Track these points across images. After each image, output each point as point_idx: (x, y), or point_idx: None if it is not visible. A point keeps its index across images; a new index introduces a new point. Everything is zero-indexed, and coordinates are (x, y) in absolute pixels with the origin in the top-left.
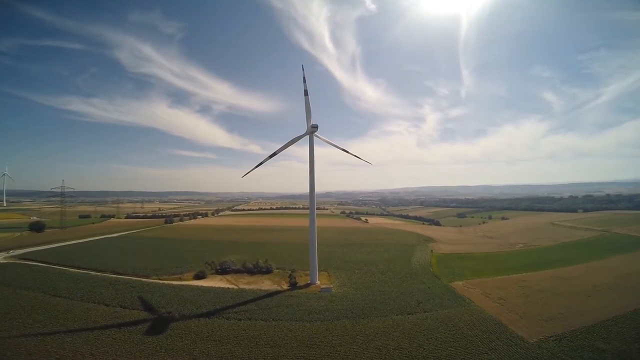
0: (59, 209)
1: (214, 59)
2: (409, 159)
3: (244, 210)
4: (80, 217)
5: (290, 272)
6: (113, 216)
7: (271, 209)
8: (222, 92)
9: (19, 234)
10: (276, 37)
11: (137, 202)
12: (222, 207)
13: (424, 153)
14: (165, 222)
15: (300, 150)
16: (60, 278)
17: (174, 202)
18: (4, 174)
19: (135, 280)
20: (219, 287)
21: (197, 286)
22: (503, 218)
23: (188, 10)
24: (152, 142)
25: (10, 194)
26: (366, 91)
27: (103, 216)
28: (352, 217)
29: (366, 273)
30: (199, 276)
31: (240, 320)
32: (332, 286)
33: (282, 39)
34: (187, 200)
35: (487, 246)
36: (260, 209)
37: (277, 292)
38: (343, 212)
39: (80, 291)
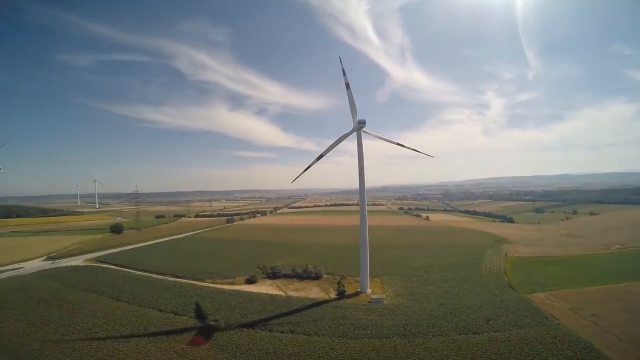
0: (141, 209)
1: (263, 61)
2: (473, 149)
3: (300, 207)
4: (156, 217)
5: (339, 278)
6: (184, 215)
7: (325, 205)
8: (274, 92)
9: (101, 235)
10: (318, 35)
11: (205, 201)
12: (280, 204)
13: (490, 141)
14: (227, 222)
15: (352, 145)
16: (126, 282)
17: (239, 200)
18: (95, 180)
19: (191, 284)
20: (267, 294)
21: (246, 292)
22: (592, 213)
23: (232, 17)
24: (216, 144)
25: (101, 197)
26: (419, 80)
27: (175, 216)
28: (410, 214)
29: (425, 281)
30: (250, 281)
31: (282, 332)
32: (384, 296)
33: (323, 36)
34: (250, 198)
35: (574, 248)
36: (315, 205)
37: (323, 302)
38: (401, 208)
39: (140, 295)
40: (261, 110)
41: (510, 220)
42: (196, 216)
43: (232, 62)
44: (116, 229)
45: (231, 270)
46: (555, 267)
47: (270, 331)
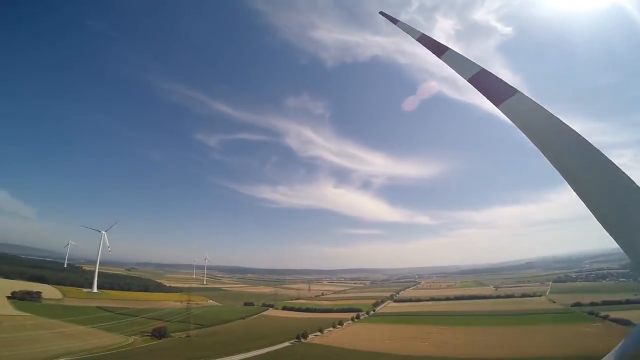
0: (244, 288)
1: (363, 131)
2: None
3: (410, 300)
4: (245, 304)
5: None
6: (272, 306)
7: (447, 298)
8: (378, 163)
9: (133, 339)
10: (413, 96)
11: (308, 281)
12: (385, 292)
13: None
14: (297, 338)
15: (479, 215)
16: None
17: (342, 281)
18: (205, 258)
19: None
20: None
21: None
22: None
23: (327, 89)
24: (325, 222)
25: (219, 269)
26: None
27: (264, 305)
28: (603, 320)
29: None
30: None
31: None
32: None
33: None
34: (355, 279)
35: None
36: (431, 298)
37: None
38: (577, 304)
39: None
40: (365, 184)
41: None
42: (283, 308)
43: (334, 135)
44: (158, 334)
45: None
46: None
47: None
